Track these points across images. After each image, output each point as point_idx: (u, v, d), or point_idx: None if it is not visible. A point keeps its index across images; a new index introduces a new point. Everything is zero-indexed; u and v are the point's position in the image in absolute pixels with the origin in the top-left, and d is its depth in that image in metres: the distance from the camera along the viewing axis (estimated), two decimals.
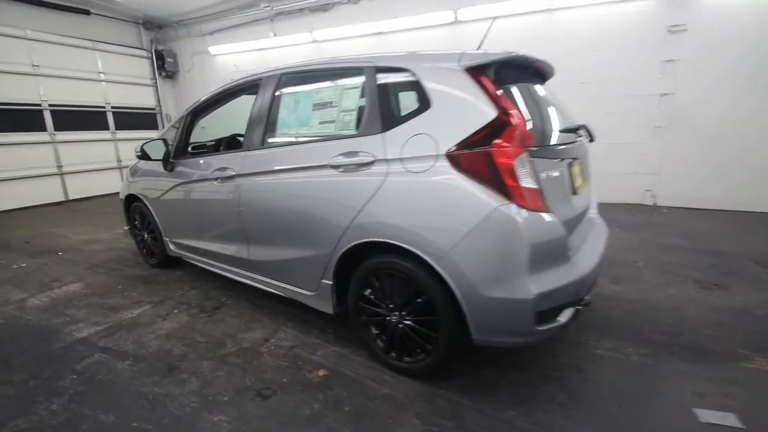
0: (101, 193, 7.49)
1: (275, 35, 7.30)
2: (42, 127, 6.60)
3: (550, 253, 1.51)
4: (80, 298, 2.82)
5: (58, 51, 6.72)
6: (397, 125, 1.67)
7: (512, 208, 1.42)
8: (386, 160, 1.66)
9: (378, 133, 1.71)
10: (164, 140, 2.76)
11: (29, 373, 1.94)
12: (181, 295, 2.81)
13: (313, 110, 2.02)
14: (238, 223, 2.33)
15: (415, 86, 1.66)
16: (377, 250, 1.75)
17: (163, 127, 8.88)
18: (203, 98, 2.72)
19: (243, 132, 3.01)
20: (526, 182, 1.45)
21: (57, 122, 6.78)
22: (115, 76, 7.75)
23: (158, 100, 8.73)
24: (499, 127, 1.45)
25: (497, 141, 1.44)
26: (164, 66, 8.57)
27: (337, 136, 1.88)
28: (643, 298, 2.64)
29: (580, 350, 2.04)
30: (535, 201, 1.46)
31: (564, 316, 1.56)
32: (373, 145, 1.71)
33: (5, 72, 6.08)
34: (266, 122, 2.20)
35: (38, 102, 6.52)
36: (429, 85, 1.62)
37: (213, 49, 7.97)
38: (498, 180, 1.43)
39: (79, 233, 4.73)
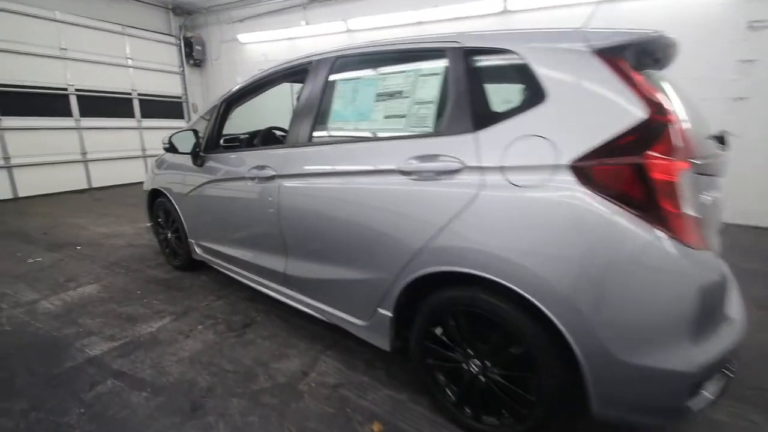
0: (125, 182, 7.34)
1: (307, 23, 6.97)
2: (67, 113, 6.45)
3: (715, 305, 1.11)
4: (96, 303, 2.55)
5: (86, 34, 6.55)
6: (496, 123, 1.29)
7: (672, 244, 1.02)
8: (480, 168, 1.28)
9: (468, 133, 1.33)
10: (195, 131, 2.45)
11: (32, 401, 1.65)
12: (206, 307, 2.50)
13: (377, 101, 1.65)
14: (276, 231, 1.99)
15: (523, 73, 1.27)
16: (459, 280, 1.38)
17: (189, 116, 8.69)
18: (240, 85, 2.39)
19: (281, 125, 2.66)
20: (689, 208, 1.05)
21: (83, 108, 6.62)
22: (143, 63, 7.57)
23: (185, 88, 8.54)
24: (653, 130, 1.06)
25: (652, 150, 1.04)
26: (192, 54, 8.36)
27: (410, 135, 1.51)
28: (750, 343, 2.18)
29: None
30: (697, 234, 1.07)
31: (712, 389, 1.16)
32: (460, 147, 1.34)
33: (33, 54, 5.93)
34: (316, 114, 1.84)
35: (65, 86, 6.36)
36: (543, 72, 1.23)
37: (242, 37, 7.70)
38: (652, 203, 1.04)
39: (99, 225, 4.51)
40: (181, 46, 8.33)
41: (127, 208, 5.46)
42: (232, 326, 2.26)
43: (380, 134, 1.63)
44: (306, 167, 1.81)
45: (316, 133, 1.85)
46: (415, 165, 1.42)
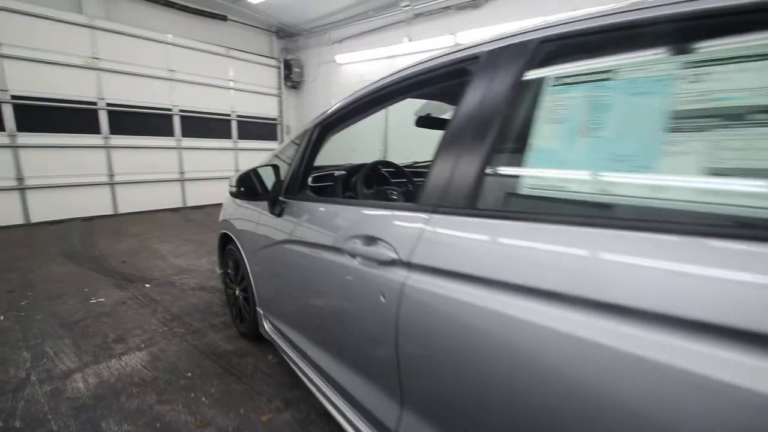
0: (216, 202, 7.28)
1: (410, 40, 6.33)
2: (170, 133, 6.53)
3: None
4: (134, 389, 1.89)
5: (193, 56, 6.65)
6: None
7: None
8: None
9: None
10: (275, 167, 1.72)
11: None
12: (267, 423, 1.69)
13: (675, 127, 0.68)
14: (387, 353, 1.10)
15: None
16: None
17: (283, 138, 8.56)
18: (340, 103, 1.60)
19: (388, 157, 1.84)
20: None
21: (184, 128, 6.69)
22: (244, 85, 7.58)
23: (281, 111, 8.45)
24: None
25: None
26: (290, 76, 8.27)
27: None
28: None
29: None
30: None
31: None
32: None
33: (145, 75, 6.09)
34: (489, 152, 0.93)
35: (170, 107, 6.46)
36: None
37: (340, 58, 7.35)
38: None
39: (179, 254, 4.13)
40: (281, 69, 8.28)
41: (211, 233, 5.14)
42: None
43: (703, 204, 0.65)
44: (471, 261, 0.89)
45: (494, 190, 0.93)
46: None
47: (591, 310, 0.66)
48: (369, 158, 2.21)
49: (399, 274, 1.04)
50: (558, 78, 0.87)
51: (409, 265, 1.02)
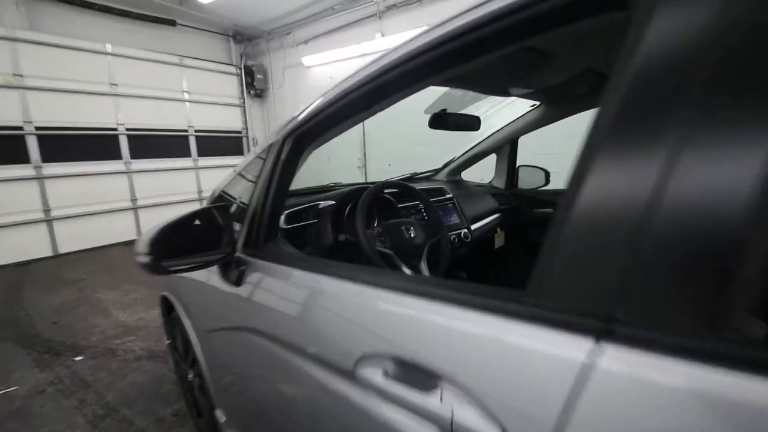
0: None
1: (383, 35, 5.76)
2: (116, 155, 5.69)
3: None
4: None
5: (139, 67, 5.82)
6: None
7: None
8: None
9: None
10: (222, 209, 1.08)
11: None
12: None
13: None
14: None
15: None
16: None
17: (249, 152, 7.79)
18: (327, 96, 0.98)
19: (368, 168, 1.18)
20: None
21: (133, 149, 5.85)
22: (201, 96, 6.79)
23: (245, 122, 7.69)
24: None
25: None
26: (253, 83, 7.53)
27: None
28: None
29: None
30: None
31: None
32: None
33: (82, 92, 5.24)
34: None
35: (114, 126, 5.62)
36: None
37: (307, 60, 6.68)
38: None
39: (126, 305, 3.37)
40: (241, 76, 7.53)
41: None
42: None
43: None
44: None
45: None
46: None
47: None
48: (346, 171, 1.59)
49: None
50: None
51: None
